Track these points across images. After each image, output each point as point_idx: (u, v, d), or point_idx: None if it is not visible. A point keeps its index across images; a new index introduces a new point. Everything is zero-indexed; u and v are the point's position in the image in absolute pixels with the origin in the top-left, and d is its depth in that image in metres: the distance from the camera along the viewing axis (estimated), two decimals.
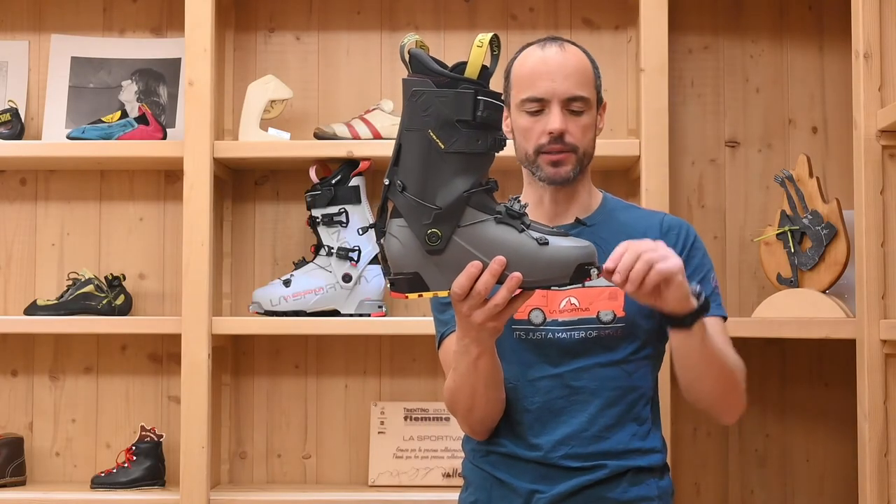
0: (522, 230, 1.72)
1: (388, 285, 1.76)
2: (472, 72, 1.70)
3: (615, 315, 2.01)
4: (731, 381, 2.00)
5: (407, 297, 1.75)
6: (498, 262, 1.69)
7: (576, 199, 2.10)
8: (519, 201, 1.74)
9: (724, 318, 2.10)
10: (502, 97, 1.74)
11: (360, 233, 1.84)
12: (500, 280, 1.71)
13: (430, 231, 1.71)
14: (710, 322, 1.98)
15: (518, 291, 1.73)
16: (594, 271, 1.72)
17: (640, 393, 2.04)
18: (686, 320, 1.87)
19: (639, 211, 2.21)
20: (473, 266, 1.70)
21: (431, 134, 1.70)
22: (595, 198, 2.15)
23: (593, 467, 2.00)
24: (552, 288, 1.74)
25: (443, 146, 1.70)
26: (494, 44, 1.72)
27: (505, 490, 2.04)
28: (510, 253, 1.70)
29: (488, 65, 1.73)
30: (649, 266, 1.78)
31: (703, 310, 1.88)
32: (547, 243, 1.71)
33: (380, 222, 1.77)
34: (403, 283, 1.74)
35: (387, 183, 1.74)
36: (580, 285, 1.74)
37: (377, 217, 1.78)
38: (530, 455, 2.02)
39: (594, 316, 2.02)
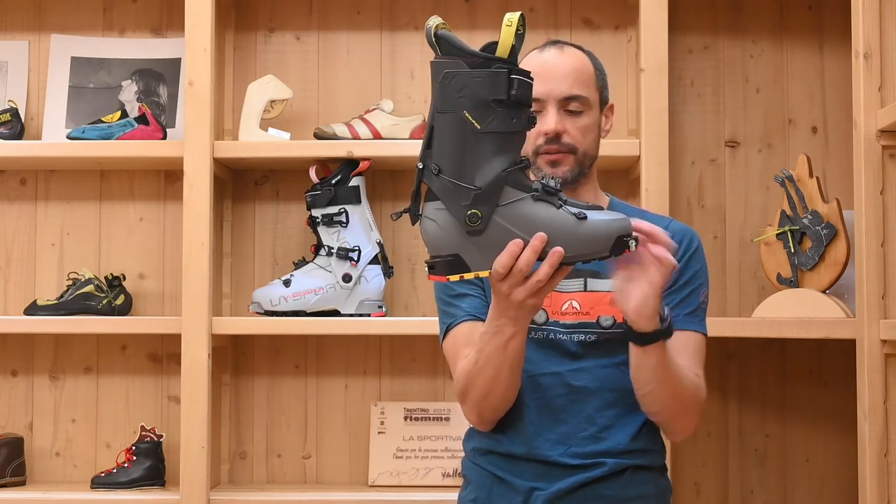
0: (560, 206, 1.70)
1: (427, 269, 1.73)
2: (503, 51, 1.68)
3: (615, 320, 2.01)
4: (681, 405, 1.97)
5: (447, 279, 1.72)
6: (539, 238, 1.68)
7: (580, 200, 2.10)
8: (553, 178, 1.72)
9: (705, 336, 2.07)
10: (531, 74, 1.72)
11: (394, 218, 1.79)
12: (541, 257, 1.69)
13: (469, 212, 1.68)
14: (684, 338, 1.98)
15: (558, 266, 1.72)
16: (633, 242, 1.70)
17: None
18: (642, 338, 1.85)
19: (645, 214, 2.21)
20: (515, 244, 1.68)
21: (466, 115, 1.67)
22: (601, 200, 2.15)
23: (592, 465, 2.01)
24: (593, 261, 1.72)
25: (478, 126, 1.68)
26: (520, 23, 1.70)
27: (504, 488, 2.04)
28: (549, 229, 1.68)
29: (515, 44, 1.71)
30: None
31: (661, 334, 1.85)
32: (585, 218, 1.69)
33: (414, 206, 1.74)
34: (443, 265, 1.71)
35: (420, 166, 1.71)
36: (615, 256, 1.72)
37: (411, 201, 1.74)
38: (529, 453, 2.02)
39: (594, 320, 2.02)
